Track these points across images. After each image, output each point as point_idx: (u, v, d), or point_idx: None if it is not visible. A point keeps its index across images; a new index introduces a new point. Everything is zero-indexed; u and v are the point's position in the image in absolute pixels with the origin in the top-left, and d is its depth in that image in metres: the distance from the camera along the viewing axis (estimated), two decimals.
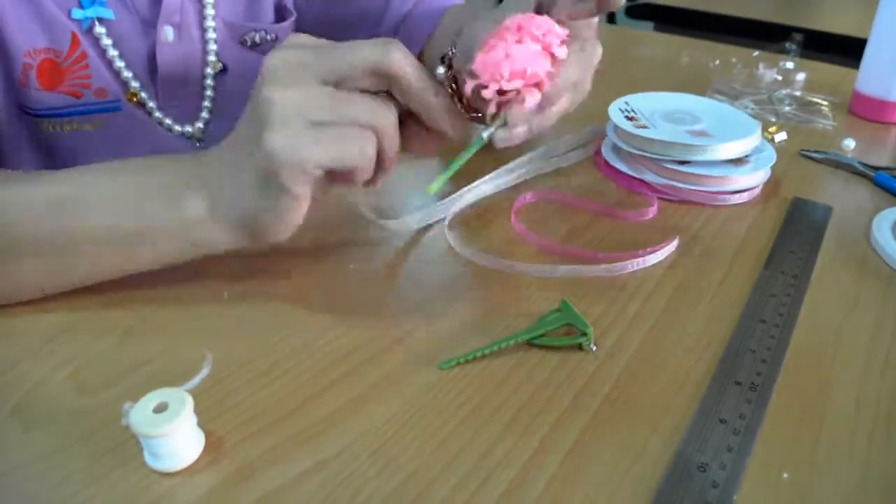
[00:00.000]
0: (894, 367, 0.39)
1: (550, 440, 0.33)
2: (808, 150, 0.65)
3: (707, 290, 0.45)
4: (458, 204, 0.53)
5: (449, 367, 0.38)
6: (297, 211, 0.38)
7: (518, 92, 0.36)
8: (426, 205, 0.52)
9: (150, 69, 0.58)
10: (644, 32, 1.38)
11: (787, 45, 0.94)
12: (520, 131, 0.38)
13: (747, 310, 0.43)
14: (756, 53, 0.95)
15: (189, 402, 0.31)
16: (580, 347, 0.39)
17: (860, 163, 0.62)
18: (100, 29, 0.54)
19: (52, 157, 0.57)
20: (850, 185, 0.60)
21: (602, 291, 0.44)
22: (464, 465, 0.32)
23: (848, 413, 0.36)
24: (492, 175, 0.56)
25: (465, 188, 0.54)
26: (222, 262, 0.46)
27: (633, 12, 1.63)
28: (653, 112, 0.61)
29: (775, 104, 0.78)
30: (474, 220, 0.52)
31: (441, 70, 0.49)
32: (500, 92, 0.36)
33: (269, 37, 0.66)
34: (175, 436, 0.30)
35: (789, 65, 0.90)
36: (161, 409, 0.31)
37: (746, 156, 0.57)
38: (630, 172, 0.57)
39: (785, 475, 0.32)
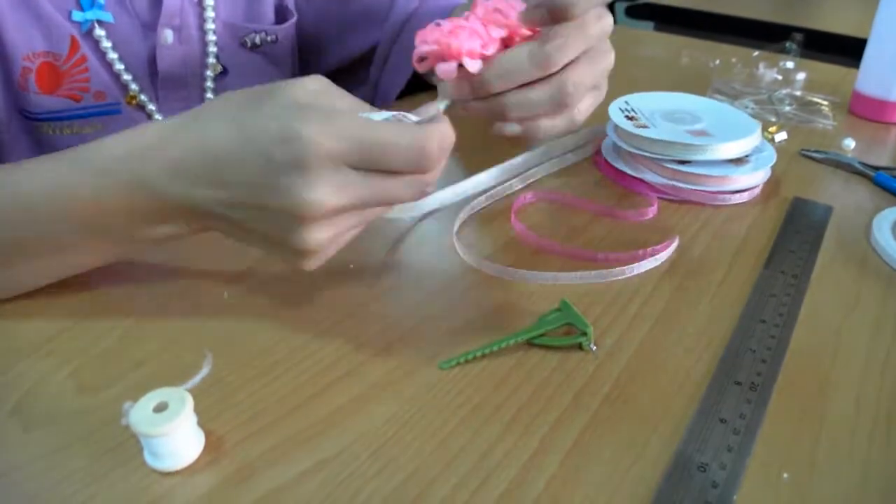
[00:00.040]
0: (894, 367, 0.39)
1: (550, 440, 0.33)
2: (808, 150, 0.65)
3: (707, 290, 0.45)
4: (463, 202, 0.52)
5: (449, 367, 0.38)
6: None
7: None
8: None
9: (150, 72, 0.58)
10: (644, 32, 1.38)
11: (788, 44, 0.94)
12: (466, 102, 0.43)
13: (747, 310, 0.43)
14: (756, 53, 0.95)
15: (189, 401, 0.31)
16: (580, 347, 0.39)
17: (860, 163, 0.62)
18: (99, 31, 0.54)
19: None
20: (850, 184, 0.60)
21: (602, 291, 0.44)
22: (464, 465, 0.32)
23: (848, 413, 0.36)
24: (492, 172, 0.56)
25: (466, 179, 0.54)
26: (222, 262, 0.46)
27: (634, 12, 1.63)
28: (653, 112, 0.61)
29: (775, 104, 0.78)
30: (474, 221, 0.52)
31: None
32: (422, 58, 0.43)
33: (269, 38, 0.66)
34: (175, 435, 0.30)
35: (789, 64, 0.90)
36: (161, 408, 0.31)
37: (746, 156, 0.57)
38: (630, 172, 0.57)
39: (785, 475, 0.32)
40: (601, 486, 0.31)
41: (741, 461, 0.32)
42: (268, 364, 0.38)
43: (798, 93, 0.80)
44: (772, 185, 0.58)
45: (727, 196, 0.55)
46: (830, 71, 0.90)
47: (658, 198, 0.55)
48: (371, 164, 0.33)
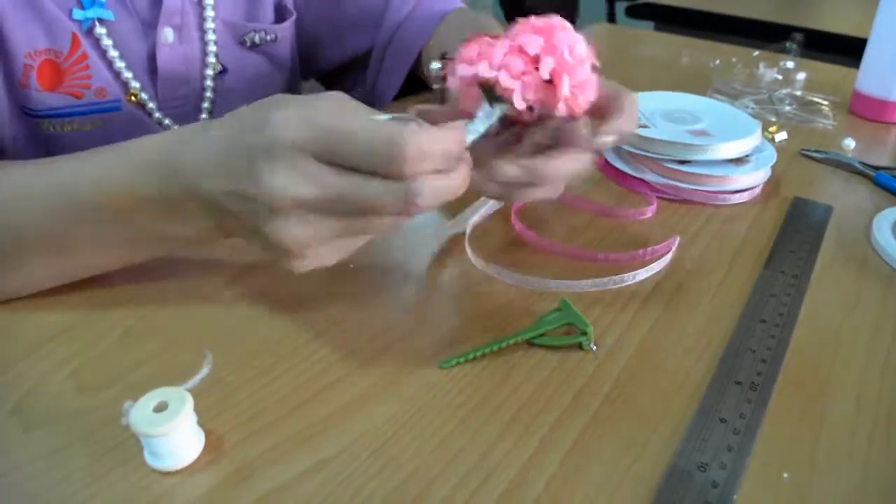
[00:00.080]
0: (894, 367, 0.39)
1: (550, 440, 0.33)
2: (808, 150, 0.65)
3: (707, 290, 0.45)
4: (478, 212, 0.52)
5: (449, 367, 0.38)
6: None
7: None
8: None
9: (150, 70, 0.58)
10: (644, 32, 1.38)
11: (788, 44, 0.94)
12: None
13: (747, 310, 0.43)
14: (756, 53, 0.95)
15: (189, 401, 0.31)
16: (580, 347, 0.39)
17: (860, 162, 0.62)
18: (100, 30, 0.54)
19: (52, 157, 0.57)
20: (850, 184, 0.60)
21: (602, 291, 0.44)
22: (464, 465, 0.32)
23: (848, 413, 0.36)
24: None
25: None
26: (222, 262, 0.46)
27: (634, 12, 1.63)
28: (653, 111, 0.61)
29: (775, 104, 0.78)
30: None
31: (436, 65, 0.49)
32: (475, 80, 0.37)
33: (268, 37, 0.66)
34: (175, 435, 0.30)
35: (790, 64, 0.90)
36: (161, 408, 0.31)
37: (747, 155, 0.57)
38: (630, 172, 0.57)
39: (785, 475, 0.32)
40: (601, 486, 0.31)
41: (741, 461, 0.32)
42: (268, 364, 0.38)
43: (798, 93, 0.80)
44: (772, 185, 0.58)
45: (727, 196, 0.55)
46: (830, 71, 0.90)
47: (658, 198, 0.55)
48: (338, 157, 0.32)
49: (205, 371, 0.35)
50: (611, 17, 1.99)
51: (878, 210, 0.54)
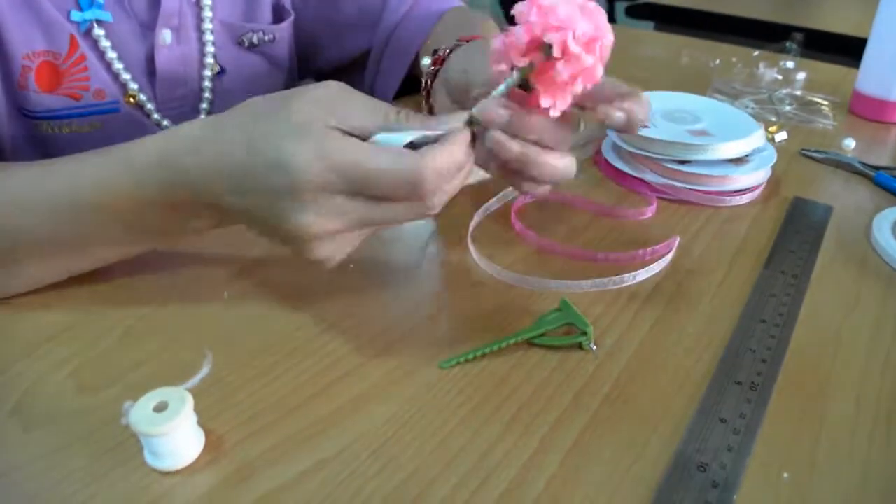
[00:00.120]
0: (894, 367, 0.39)
1: (550, 440, 0.33)
2: (808, 150, 0.65)
3: (707, 290, 0.45)
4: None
5: (449, 367, 0.38)
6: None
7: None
8: None
9: (149, 71, 0.58)
10: (644, 32, 1.38)
11: (788, 44, 0.94)
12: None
13: (747, 310, 0.43)
14: (756, 53, 0.95)
15: (189, 400, 0.31)
16: (580, 347, 0.39)
17: (860, 162, 0.62)
18: (98, 31, 0.54)
19: (52, 158, 0.57)
20: (850, 184, 0.60)
21: (602, 291, 0.44)
22: (464, 465, 0.32)
23: (848, 413, 0.36)
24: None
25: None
26: (222, 262, 0.46)
27: (634, 12, 1.63)
28: (653, 111, 0.61)
29: (775, 104, 0.78)
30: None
31: (427, 61, 0.48)
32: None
33: (266, 37, 0.66)
34: (175, 434, 0.30)
35: (790, 64, 0.90)
36: (161, 407, 0.31)
37: (747, 155, 0.57)
38: (630, 172, 0.57)
39: (785, 475, 0.32)
40: (601, 486, 0.31)
41: (741, 461, 0.32)
42: (268, 364, 0.38)
43: (798, 92, 0.80)
44: (772, 185, 0.58)
45: (727, 196, 0.55)
46: (830, 71, 0.90)
47: (658, 198, 0.55)
48: (363, 192, 0.34)
49: (205, 371, 0.35)
50: (610, 17, 1.98)
51: (878, 210, 0.54)
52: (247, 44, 0.65)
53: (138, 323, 0.41)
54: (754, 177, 0.56)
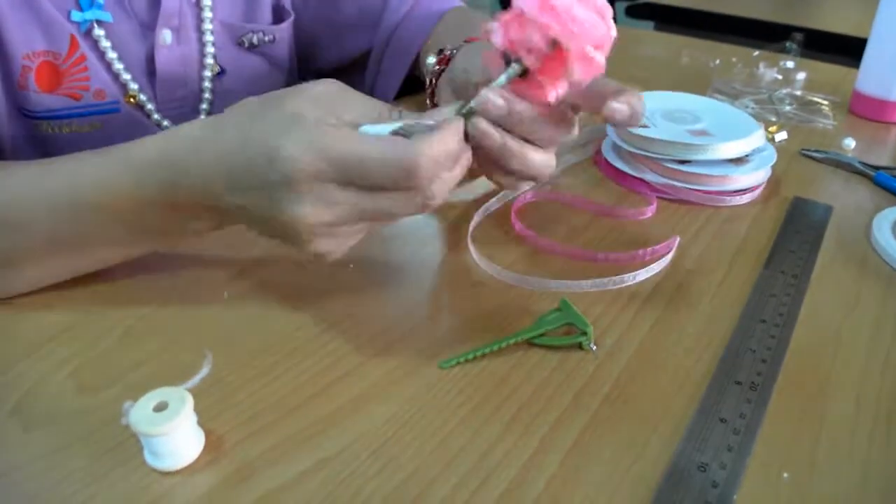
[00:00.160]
0: (894, 367, 0.39)
1: (550, 440, 0.33)
2: (808, 150, 0.65)
3: (707, 290, 0.45)
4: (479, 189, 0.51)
5: (449, 367, 0.38)
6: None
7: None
8: None
9: (149, 71, 0.58)
10: (644, 32, 1.38)
11: (788, 44, 0.94)
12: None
13: (747, 310, 0.43)
14: (756, 53, 0.95)
15: (189, 400, 0.31)
16: (580, 347, 0.39)
17: (860, 162, 0.62)
18: (98, 31, 0.54)
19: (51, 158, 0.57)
20: (850, 184, 0.60)
21: (602, 291, 0.44)
22: (464, 465, 0.32)
23: (848, 413, 0.36)
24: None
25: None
26: (222, 262, 0.46)
27: (634, 12, 1.63)
28: (653, 111, 0.61)
29: (776, 104, 0.78)
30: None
31: (431, 59, 0.48)
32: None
33: (266, 38, 0.66)
34: (175, 434, 0.30)
35: (790, 64, 0.90)
36: (161, 407, 0.31)
37: (747, 155, 0.57)
38: (630, 172, 0.57)
39: (785, 475, 0.32)
40: (601, 486, 0.31)
41: (741, 461, 0.32)
42: (268, 364, 0.38)
43: (798, 92, 0.80)
44: (772, 185, 0.58)
45: (727, 196, 0.55)
46: (830, 71, 0.90)
47: (658, 198, 0.55)
48: (357, 182, 0.33)
49: (205, 371, 0.35)
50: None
51: (878, 210, 0.54)
52: (247, 44, 0.65)
53: (138, 323, 0.41)
54: (754, 177, 0.56)
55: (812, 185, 0.60)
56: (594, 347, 0.39)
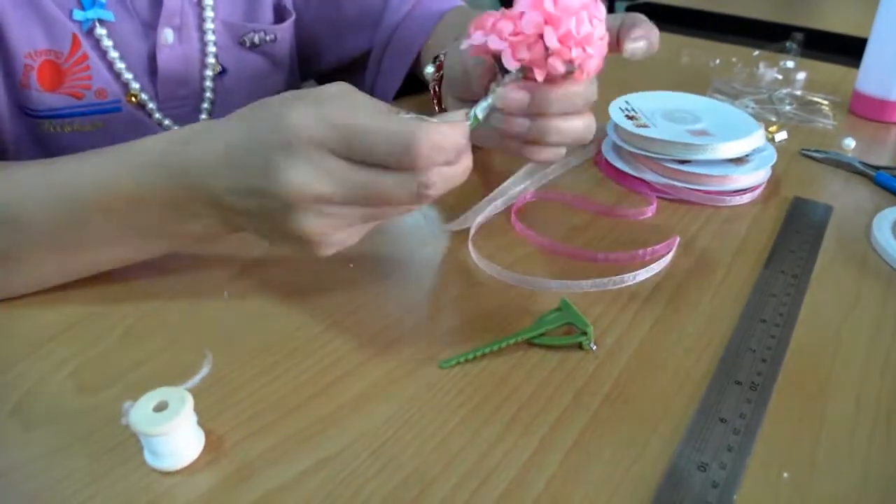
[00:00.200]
0: (894, 367, 0.39)
1: (550, 440, 0.33)
2: (808, 150, 0.65)
3: (707, 289, 0.45)
4: (483, 213, 0.52)
5: (449, 367, 0.38)
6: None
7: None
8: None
9: (151, 70, 0.59)
10: None
11: (788, 44, 0.94)
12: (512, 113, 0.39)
13: (747, 309, 0.43)
14: (756, 53, 0.95)
15: (189, 400, 0.31)
16: (580, 347, 0.39)
17: (860, 162, 0.62)
18: (100, 30, 0.54)
19: (53, 157, 0.57)
20: (850, 184, 0.60)
21: (602, 291, 0.44)
22: (464, 465, 0.32)
23: (848, 413, 0.36)
24: (519, 176, 0.55)
25: (500, 186, 0.53)
26: (222, 261, 0.46)
27: (634, 12, 1.63)
28: (653, 111, 0.61)
29: (776, 103, 0.78)
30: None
31: (430, 69, 0.49)
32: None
33: (268, 37, 0.66)
34: (175, 434, 0.30)
35: (790, 64, 0.90)
36: (161, 407, 0.31)
37: (747, 155, 0.57)
38: (630, 172, 0.57)
39: (785, 475, 0.32)
40: (601, 486, 0.31)
41: (741, 461, 0.32)
42: (268, 363, 0.38)
43: (798, 92, 0.80)
44: (772, 185, 0.58)
45: (727, 196, 0.55)
46: (830, 70, 0.90)
47: (658, 197, 0.55)
48: (355, 154, 0.33)
49: (205, 371, 0.35)
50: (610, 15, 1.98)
51: (878, 210, 0.54)
52: (248, 44, 0.65)
53: (138, 323, 0.41)
54: (754, 177, 0.56)
55: (812, 185, 0.60)
56: (594, 347, 0.39)
